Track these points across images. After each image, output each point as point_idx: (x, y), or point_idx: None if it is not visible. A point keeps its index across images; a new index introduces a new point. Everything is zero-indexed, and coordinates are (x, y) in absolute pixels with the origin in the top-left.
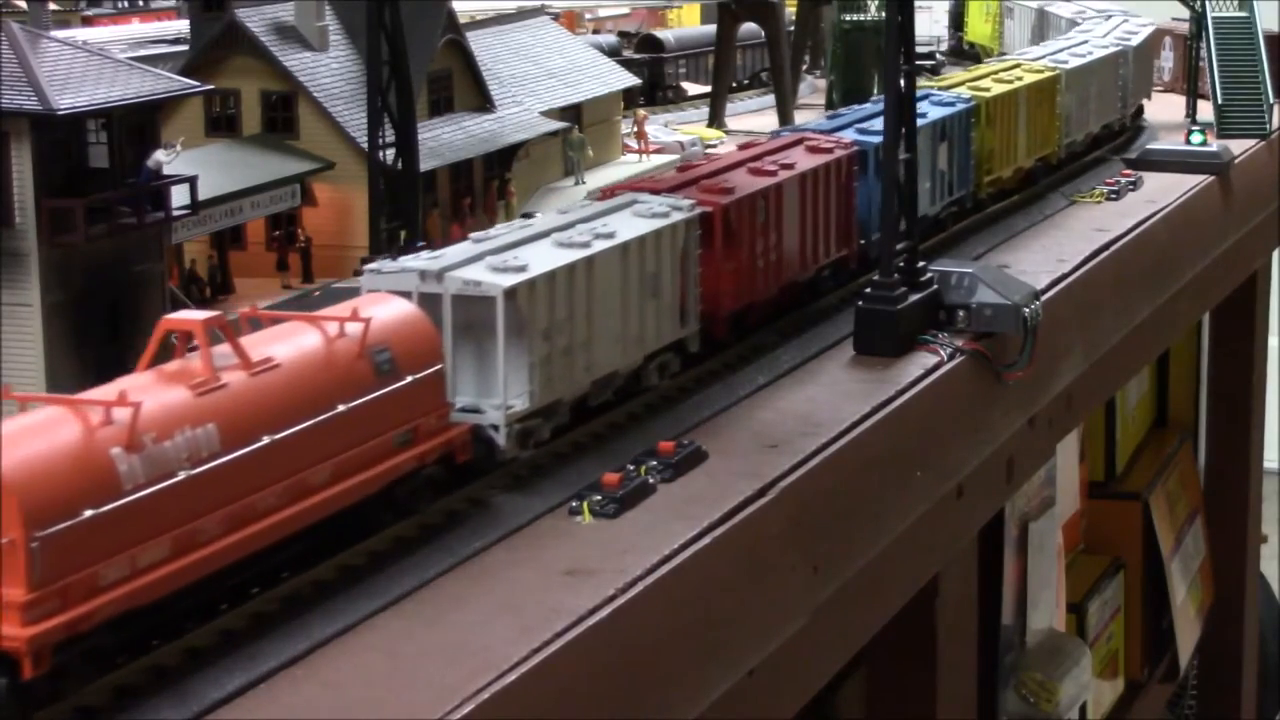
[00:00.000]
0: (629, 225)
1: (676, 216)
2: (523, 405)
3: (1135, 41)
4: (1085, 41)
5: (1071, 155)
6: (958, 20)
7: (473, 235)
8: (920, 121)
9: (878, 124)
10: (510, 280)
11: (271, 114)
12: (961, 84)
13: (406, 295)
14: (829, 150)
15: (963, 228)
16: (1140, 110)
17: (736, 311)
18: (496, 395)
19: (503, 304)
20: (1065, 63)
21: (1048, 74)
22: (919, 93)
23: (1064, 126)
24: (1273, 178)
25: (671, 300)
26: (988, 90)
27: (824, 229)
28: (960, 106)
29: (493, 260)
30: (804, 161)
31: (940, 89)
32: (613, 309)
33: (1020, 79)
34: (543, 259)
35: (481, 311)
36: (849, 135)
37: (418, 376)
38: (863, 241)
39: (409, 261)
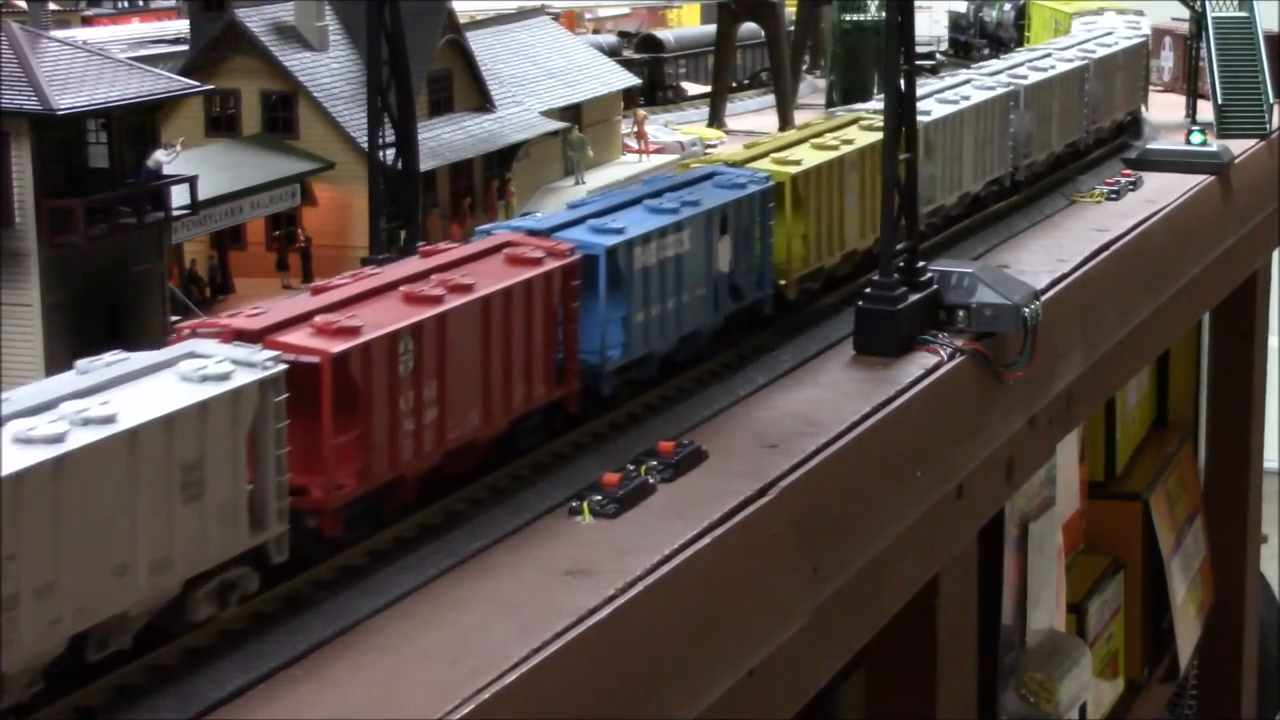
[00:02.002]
0: (161, 397)
1: (241, 379)
2: None
3: (1101, 54)
4: (1048, 55)
5: (1033, 175)
6: (1020, 18)
7: None
8: (691, 211)
9: (629, 217)
10: None
11: (271, 114)
12: (772, 152)
13: None
14: (535, 261)
15: (963, 228)
16: (1121, 127)
17: (366, 495)
18: None
19: None
20: (1024, 78)
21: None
22: (703, 170)
23: (1020, 148)
24: (1273, 178)
25: (232, 496)
26: (797, 162)
27: (523, 367)
28: (752, 188)
29: None
30: (491, 278)
31: (734, 164)
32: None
33: (851, 141)
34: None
35: None
36: (576, 236)
37: None
38: (599, 370)
39: None
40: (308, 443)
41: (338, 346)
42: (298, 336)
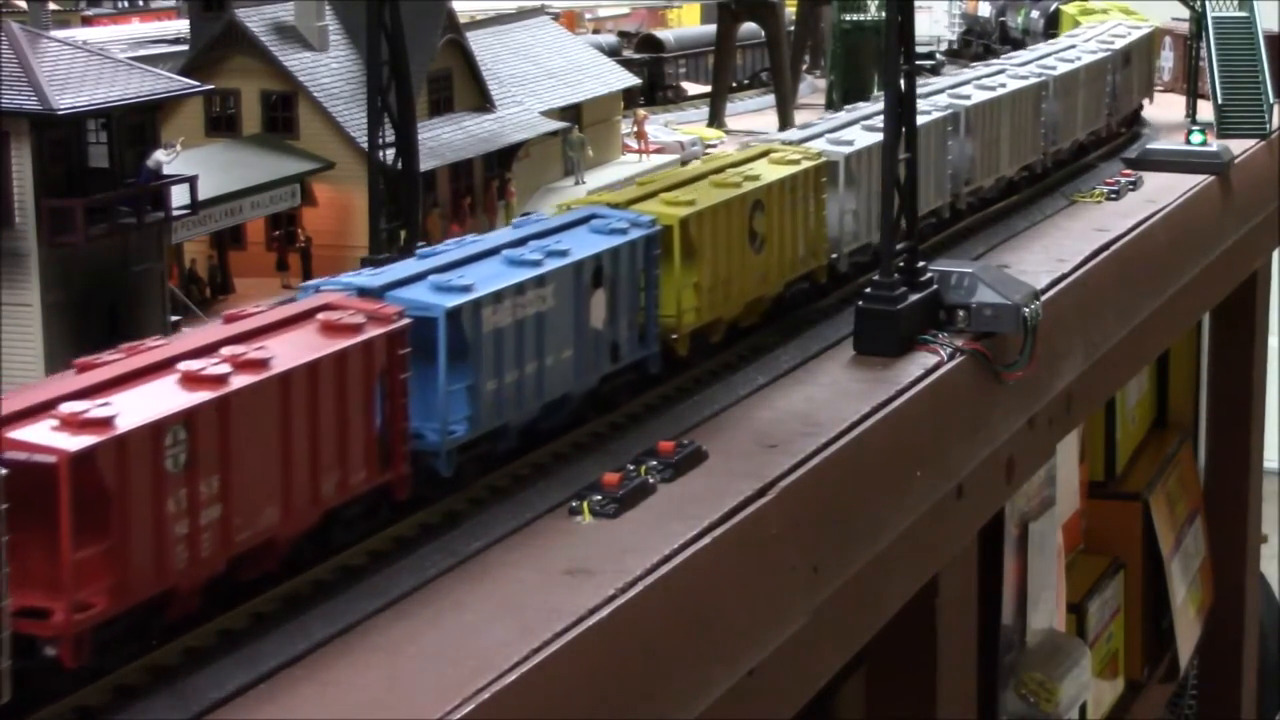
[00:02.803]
0: None
1: None
2: None
3: (1063, 70)
4: (1002, 71)
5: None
6: (1050, 26)
7: None
8: (557, 262)
9: (481, 270)
10: None
11: (271, 114)
12: (665, 190)
13: None
14: (352, 329)
15: (963, 227)
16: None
17: (125, 615)
18: None
19: None
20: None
21: (808, 164)
22: (581, 213)
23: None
24: (1273, 178)
25: None
26: (690, 202)
27: (335, 452)
28: (634, 233)
29: None
30: (295, 351)
31: (618, 205)
32: None
33: (757, 177)
34: None
35: None
36: (413, 295)
37: None
38: (438, 449)
39: None
40: (46, 557)
41: (79, 444)
42: (34, 432)
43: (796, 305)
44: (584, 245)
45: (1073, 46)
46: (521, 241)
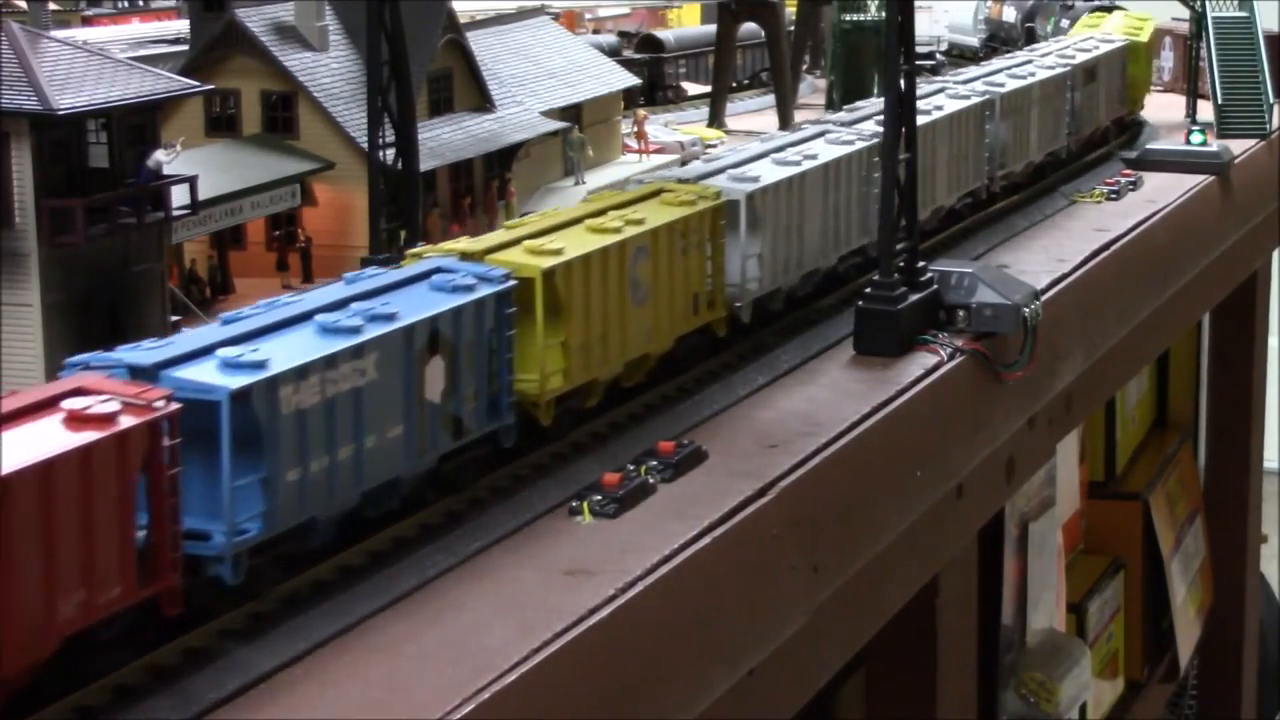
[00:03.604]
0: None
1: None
2: None
3: (1012, 88)
4: (941, 90)
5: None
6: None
7: None
8: (380, 329)
9: (285, 342)
10: None
11: (271, 114)
12: (530, 236)
13: None
14: (103, 420)
15: (962, 228)
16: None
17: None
18: None
19: None
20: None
21: (704, 204)
22: (423, 266)
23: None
24: (1273, 178)
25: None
26: (556, 252)
27: (78, 568)
28: (483, 290)
29: None
30: (25, 448)
31: (471, 255)
32: None
33: (640, 221)
34: None
35: None
36: (193, 375)
37: None
38: (221, 555)
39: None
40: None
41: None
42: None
43: (692, 361)
44: (418, 306)
45: (1029, 62)
46: (342, 304)
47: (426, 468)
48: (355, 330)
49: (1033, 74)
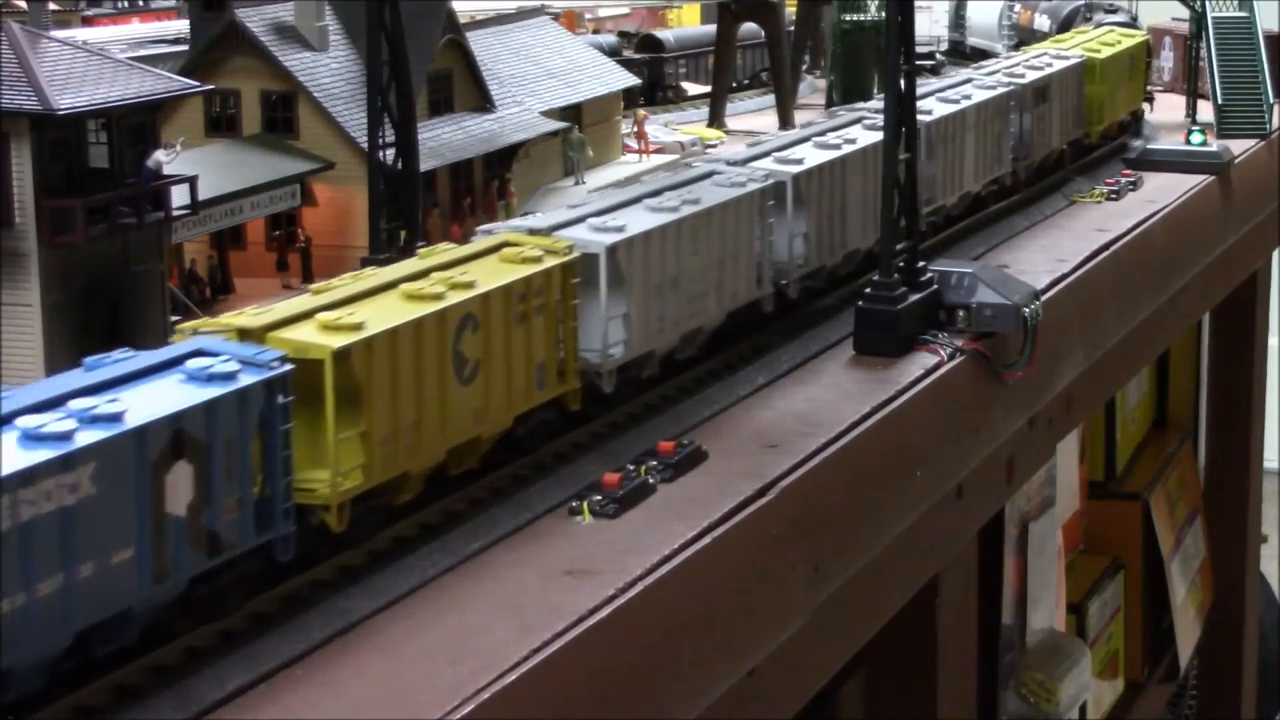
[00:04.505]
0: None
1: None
2: None
3: (941, 114)
4: (857, 120)
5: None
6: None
7: None
8: (102, 432)
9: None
10: None
11: (271, 114)
12: (325, 309)
13: None
14: None
15: (962, 228)
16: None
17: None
18: None
19: None
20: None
21: (552, 261)
22: (179, 349)
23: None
24: (1273, 178)
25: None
26: (356, 327)
27: None
28: (245, 379)
29: None
30: None
31: (254, 333)
32: None
33: (470, 285)
34: None
35: None
36: None
37: None
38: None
39: None
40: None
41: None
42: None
43: (539, 440)
44: (158, 402)
45: (968, 81)
46: (58, 401)
47: (172, 594)
48: (65, 437)
49: (968, 96)
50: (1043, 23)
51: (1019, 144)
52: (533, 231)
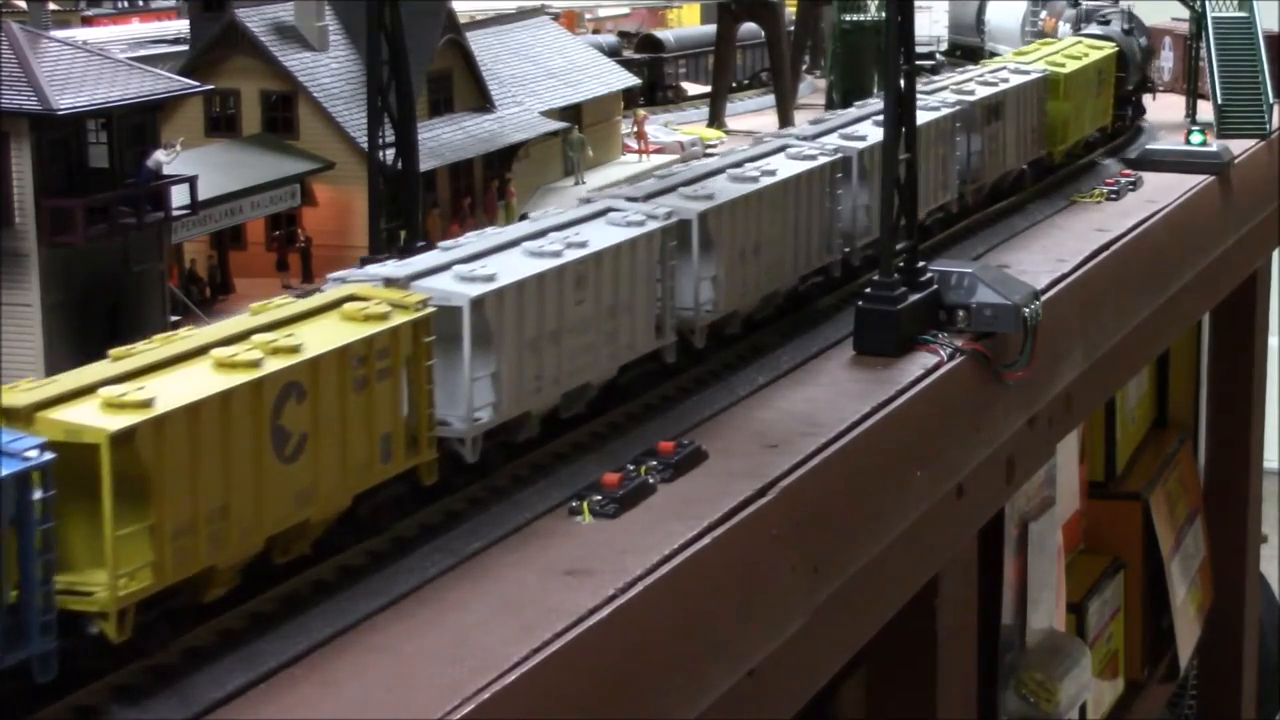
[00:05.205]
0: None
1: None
2: None
3: (875, 140)
4: (780, 150)
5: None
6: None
7: None
8: None
9: None
10: None
11: (271, 114)
12: (117, 380)
13: None
14: None
15: (962, 228)
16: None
17: None
18: None
19: None
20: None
21: (402, 318)
22: None
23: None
24: (1273, 178)
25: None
26: (142, 406)
27: None
28: (4, 470)
29: None
30: None
31: (23, 413)
32: None
33: (294, 349)
34: None
35: None
36: None
37: None
38: None
39: None
40: None
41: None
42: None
43: (387, 519)
44: None
45: (785, 147)
46: None
47: None
48: None
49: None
50: (1066, 31)
51: (966, 168)
52: (388, 282)
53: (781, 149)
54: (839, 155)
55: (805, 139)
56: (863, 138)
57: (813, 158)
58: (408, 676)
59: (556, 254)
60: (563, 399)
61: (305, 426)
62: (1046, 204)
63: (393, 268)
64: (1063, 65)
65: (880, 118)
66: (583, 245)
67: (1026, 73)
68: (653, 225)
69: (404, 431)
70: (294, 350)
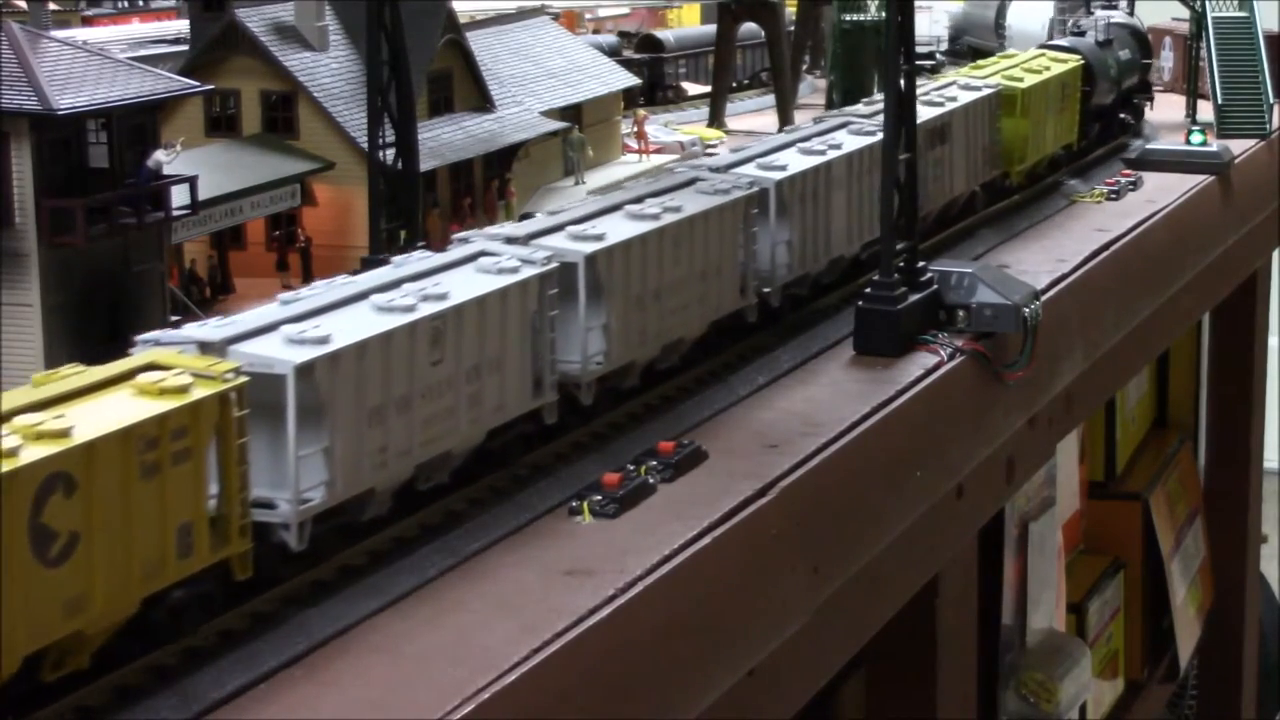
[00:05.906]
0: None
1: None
2: None
3: (804, 166)
4: (689, 183)
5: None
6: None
7: None
8: None
9: None
10: None
11: (271, 114)
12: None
13: None
14: None
15: (963, 228)
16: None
17: None
18: None
19: None
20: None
21: (204, 392)
22: None
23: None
24: (1273, 178)
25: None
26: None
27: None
28: None
29: None
30: None
31: None
32: None
33: (63, 433)
34: None
35: None
36: None
37: None
38: None
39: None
40: None
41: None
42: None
43: (191, 621)
44: None
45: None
46: None
47: None
48: None
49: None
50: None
51: None
52: (203, 346)
53: (691, 182)
54: (754, 189)
55: (718, 170)
56: (783, 167)
57: (725, 191)
58: (408, 676)
59: (408, 309)
60: (417, 470)
61: (75, 524)
62: (1047, 204)
63: (211, 329)
64: (1020, 80)
65: (805, 144)
66: (441, 298)
67: (978, 89)
68: (528, 272)
69: (213, 520)
70: (61, 435)
